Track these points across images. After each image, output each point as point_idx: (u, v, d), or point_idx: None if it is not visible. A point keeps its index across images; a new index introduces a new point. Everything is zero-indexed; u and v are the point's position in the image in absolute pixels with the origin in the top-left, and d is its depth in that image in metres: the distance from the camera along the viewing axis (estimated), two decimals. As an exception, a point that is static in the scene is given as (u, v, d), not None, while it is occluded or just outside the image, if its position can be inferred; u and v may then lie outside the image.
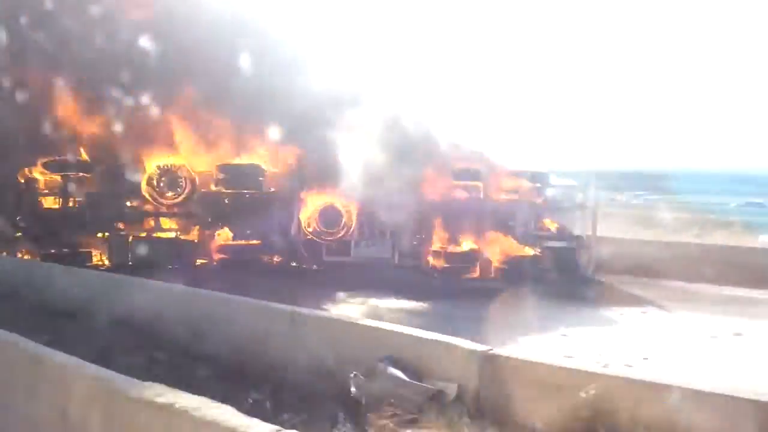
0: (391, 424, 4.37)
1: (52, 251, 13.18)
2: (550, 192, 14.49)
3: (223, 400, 3.46)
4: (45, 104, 13.44)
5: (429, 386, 4.58)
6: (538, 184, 14.14)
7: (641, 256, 14.85)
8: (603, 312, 11.18)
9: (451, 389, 4.66)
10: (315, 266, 14.16)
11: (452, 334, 5.26)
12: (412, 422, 4.46)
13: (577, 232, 14.23)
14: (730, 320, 10.92)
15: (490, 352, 4.72)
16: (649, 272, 14.24)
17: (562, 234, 14.20)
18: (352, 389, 4.63)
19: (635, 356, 8.11)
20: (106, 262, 13.63)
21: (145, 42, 13.08)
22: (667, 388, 4.20)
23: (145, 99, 13.46)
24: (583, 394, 4.27)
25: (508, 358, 4.67)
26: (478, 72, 15.52)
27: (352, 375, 4.72)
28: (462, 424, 4.47)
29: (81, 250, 13.62)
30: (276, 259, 14.49)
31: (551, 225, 14.34)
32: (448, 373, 4.77)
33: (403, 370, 4.84)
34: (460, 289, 12.51)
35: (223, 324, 6.48)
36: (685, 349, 8.98)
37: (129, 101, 13.40)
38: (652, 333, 10.12)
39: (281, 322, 5.97)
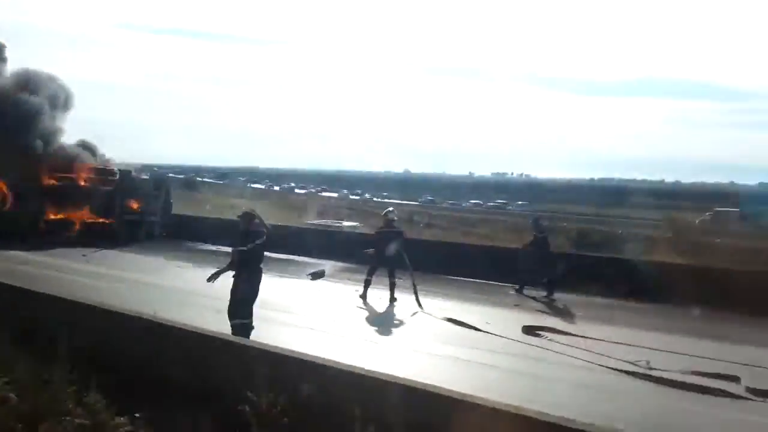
0: None
1: None
2: (131, 182, 22.21)
3: None
4: None
5: None
6: (113, 177, 21.80)
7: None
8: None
9: None
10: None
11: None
12: None
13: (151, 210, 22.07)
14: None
15: None
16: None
17: (138, 212, 21.97)
18: None
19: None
20: None
21: None
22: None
23: None
24: None
25: None
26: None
27: None
28: None
29: None
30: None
31: (135, 205, 22.06)
32: None
33: None
34: (47, 242, 19.79)
35: None
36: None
37: None
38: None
39: None
